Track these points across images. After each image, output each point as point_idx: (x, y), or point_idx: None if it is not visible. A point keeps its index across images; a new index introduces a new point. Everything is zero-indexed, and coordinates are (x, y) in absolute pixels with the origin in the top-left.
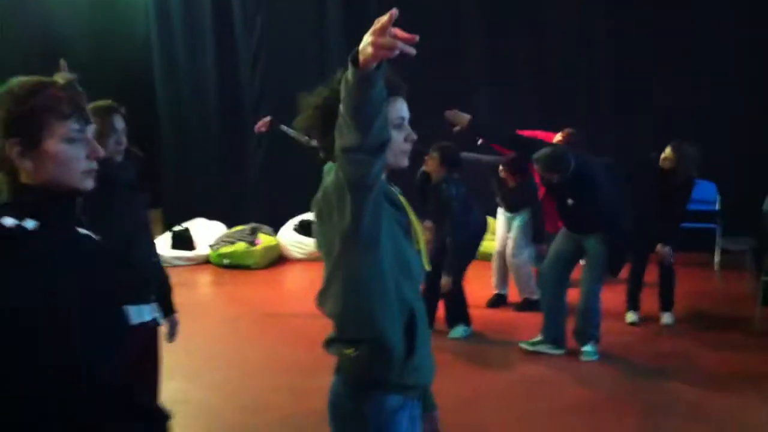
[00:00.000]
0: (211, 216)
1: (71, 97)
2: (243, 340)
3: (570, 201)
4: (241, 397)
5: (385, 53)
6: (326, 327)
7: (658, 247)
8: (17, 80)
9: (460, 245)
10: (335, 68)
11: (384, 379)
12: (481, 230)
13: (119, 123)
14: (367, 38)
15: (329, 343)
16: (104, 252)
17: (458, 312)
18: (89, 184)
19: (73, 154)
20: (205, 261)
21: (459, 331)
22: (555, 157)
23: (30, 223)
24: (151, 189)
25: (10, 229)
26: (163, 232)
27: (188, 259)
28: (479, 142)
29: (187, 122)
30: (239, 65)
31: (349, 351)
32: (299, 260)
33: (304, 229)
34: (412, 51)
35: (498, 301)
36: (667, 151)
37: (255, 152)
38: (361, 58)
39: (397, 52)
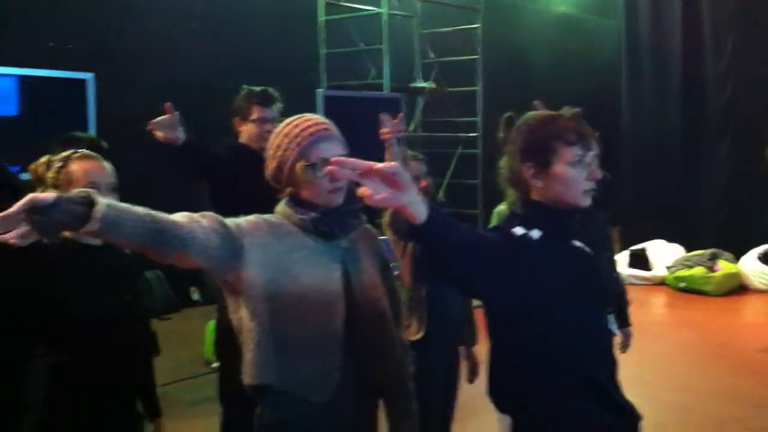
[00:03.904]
0: (670, 238)
1: (576, 127)
2: (694, 366)
3: None
4: (690, 422)
5: None
6: None
7: None
8: (532, 114)
9: None
10: None
11: None
12: None
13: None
14: None
15: None
16: (596, 263)
17: None
18: (587, 201)
19: (576, 176)
20: (661, 282)
21: None
22: None
23: (535, 233)
24: (611, 208)
25: (518, 238)
26: (621, 250)
27: (644, 278)
28: None
29: (650, 145)
30: (705, 88)
31: None
32: (761, 291)
33: None
34: None
35: None
36: None
37: (718, 175)
38: None
39: None
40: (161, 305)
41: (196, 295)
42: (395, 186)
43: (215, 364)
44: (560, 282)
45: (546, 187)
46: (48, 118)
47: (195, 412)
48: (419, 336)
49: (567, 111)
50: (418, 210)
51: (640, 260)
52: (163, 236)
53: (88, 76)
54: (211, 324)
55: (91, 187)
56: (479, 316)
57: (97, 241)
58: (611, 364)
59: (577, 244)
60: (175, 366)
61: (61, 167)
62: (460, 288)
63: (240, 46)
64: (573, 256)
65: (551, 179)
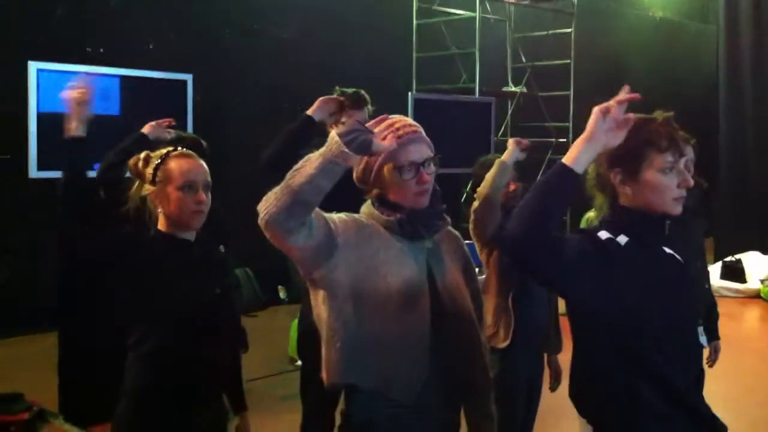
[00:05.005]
0: (765, 250)
1: (668, 132)
2: None
3: None
4: None
5: None
6: None
7: None
8: None
9: None
10: None
11: None
12: None
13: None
14: None
15: None
16: (687, 271)
17: None
18: (678, 209)
19: (667, 183)
20: (756, 295)
21: None
22: None
23: (622, 239)
24: (708, 217)
25: (603, 242)
26: (714, 261)
27: (737, 291)
28: None
29: (748, 153)
30: None
31: None
32: None
33: None
34: None
35: None
36: None
37: None
38: None
39: None
40: (249, 302)
41: (283, 294)
42: (618, 130)
43: (299, 362)
44: (649, 288)
45: (635, 193)
46: (148, 117)
47: (279, 408)
48: (506, 344)
49: (659, 115)
50: (586, 157)
51: (733, 272)
52: (305, 209)
53: (187, 77)
54: (296, 322)
55: (188, 186)
56: (564, 324)
57: (190, 236)
58: (698, 375)
59: (668, 251)
60: (261, 362)
61: (159, 164)
62: (546, 280)
63: (334, 49)
64: (663, 262)
65: (641, 186)
